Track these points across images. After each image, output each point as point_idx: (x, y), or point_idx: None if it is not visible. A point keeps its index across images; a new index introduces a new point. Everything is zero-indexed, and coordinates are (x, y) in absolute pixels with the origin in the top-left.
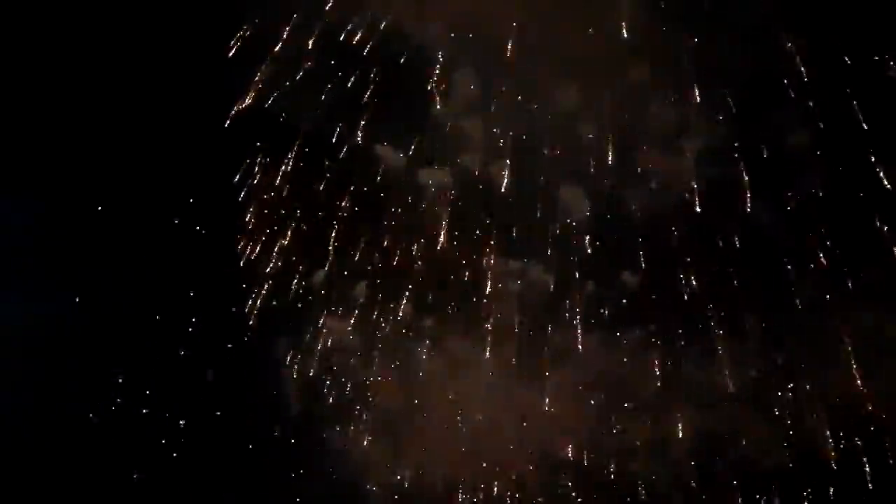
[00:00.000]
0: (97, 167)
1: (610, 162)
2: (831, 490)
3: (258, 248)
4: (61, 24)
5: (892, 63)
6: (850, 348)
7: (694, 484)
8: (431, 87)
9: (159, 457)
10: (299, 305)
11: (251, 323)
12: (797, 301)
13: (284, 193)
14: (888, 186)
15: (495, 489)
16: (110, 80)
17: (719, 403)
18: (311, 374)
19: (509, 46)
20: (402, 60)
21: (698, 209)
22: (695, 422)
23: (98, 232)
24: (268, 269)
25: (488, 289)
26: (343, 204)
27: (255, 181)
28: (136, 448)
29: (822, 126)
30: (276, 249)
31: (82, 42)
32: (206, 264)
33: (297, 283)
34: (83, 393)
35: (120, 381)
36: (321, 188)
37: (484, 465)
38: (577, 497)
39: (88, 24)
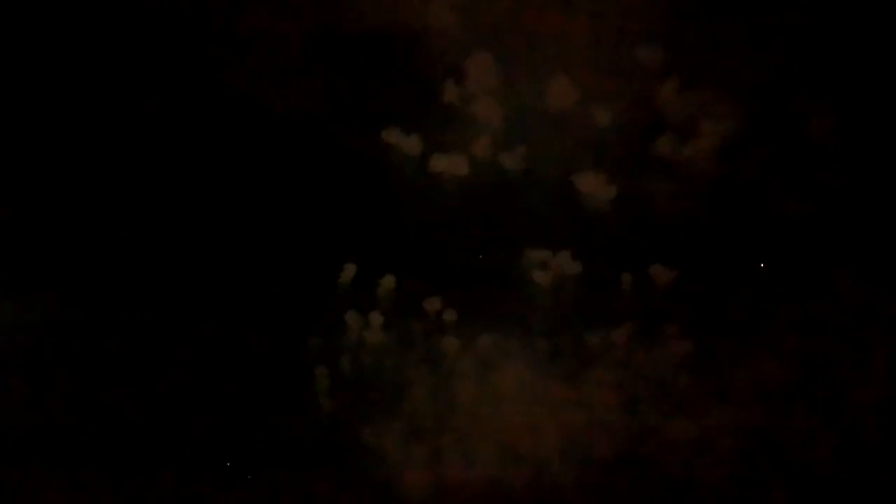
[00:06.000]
0: (93, 166)
1: (629, 148)
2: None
3: (276, 242)
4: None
5: None
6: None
7: (737, 482)
8: (444, 72)
9: (187, 455)
10: (326, 302)
11: (280, 322)
12: (836, 293)
13: (295, 184)
14: None
15: (533, 488)
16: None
17: (760, 399)
18: (341, 371)
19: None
20: (413, 44)
21: (725, 198)
22: (736, 418)
23: (114, 231)
24: (288, 264)
25: (515, 280)
26: (359, 195)
27: (264, 172)
28: (162, 448)
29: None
30: (293, 244)
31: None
32: (224, 262)
33: (321, 279)
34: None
35: (145, 383)
36: (334, 177)
37: (520, 463)
38: (617, 496)
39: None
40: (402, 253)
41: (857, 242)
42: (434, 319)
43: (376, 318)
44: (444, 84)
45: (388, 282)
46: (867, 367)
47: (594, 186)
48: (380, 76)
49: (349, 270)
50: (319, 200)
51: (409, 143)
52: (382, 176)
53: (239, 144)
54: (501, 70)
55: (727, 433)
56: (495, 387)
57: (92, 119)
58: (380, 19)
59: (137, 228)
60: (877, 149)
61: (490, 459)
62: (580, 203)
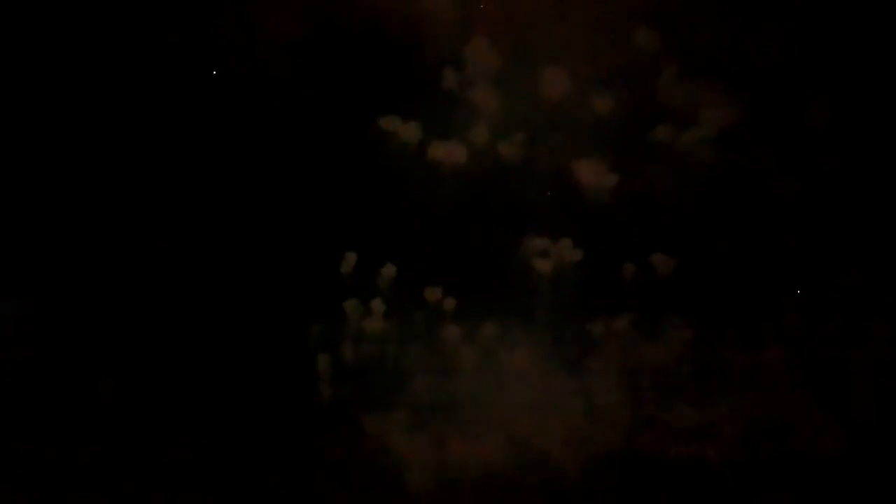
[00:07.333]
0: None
1: (628, 135)
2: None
3: (275, 231)
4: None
5: None
6: None
7: (740, 470)
8: (444, 58)
9: (189, 444)
10: (327, 291)
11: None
12: (838, 280)
13: (293, 172)
14: None
15: (536, 476)
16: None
17: (764, 388)
18: (342, 360)
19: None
20: (412, 30)
21: (725, 186)
22: (738, 406)
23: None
24: (289, 253)
25: (515, 268)
26: (358, 182)
27: (261, 161)
28: (160, 437)
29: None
30: (293, 233)
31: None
32: (224, 251)
33: (324, 268)
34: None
35: (143, 371)
36: (332, 166)
37: (523, 451)
38: (619, 484)
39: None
40: (402, 241)
41: (859, 230)
42: (435, 308)
43: (378, 306)
44: (443, 71)
45: (389, 270)
46: (870, 354)
47: (594, 175)
48: (378, 63)
49: (350, 259)
50: (318, 189)
51: (408, 131)
52: (382, 164)
53: (235, 133)
54: (500, 57)
55: (730, 421)
56: (497, 375)
57: (89, 106)
58: (378, 5)
59: (136, 217)
60: (877, 136)
61: (493, 447)
62: (580, 191)
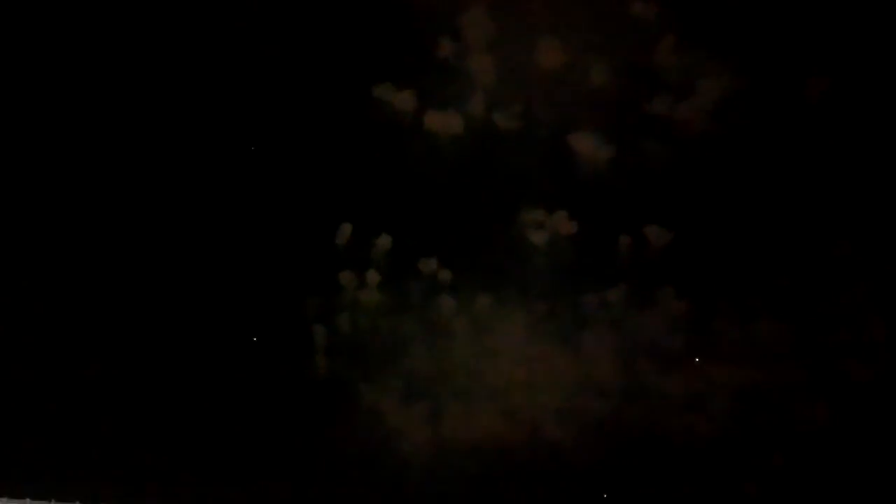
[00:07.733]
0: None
1: (624, 107)
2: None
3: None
4: None
5: None
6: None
7: (730, 440)
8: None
9: (185, 416)
10: (323, 262)
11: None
12: (831, 253)
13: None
14: None
15: (529, 445)
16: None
17: (753, 359)
18: (338, 331)
19: None
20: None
21: (720, 158)
22: (729, 378)
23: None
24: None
25: (511, 240)
26: (353, 152)
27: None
28: (160, 409)
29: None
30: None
31: None
32: (220, 223)
33: (320, 239)
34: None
35: (142, 346)
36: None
37: (517, 421)
38: (611, 453)
39: None
40: (397, 212)
41: (853, 204)
42: (430, 279)
43: (373, 277)
44: (439, 40)
45: (384, 241)
46: (861, 326)
47: (590, 147)
48: (373, 31)
49: (345, 230)
50: (313, 160)
51: (403, 100)
52: (377, 134)
53: (228, 105)
54: (497, 27)
55: (720, 392)
56: (491, 346)
57: (81, 76)
58: None
59: (129, 194)
60: (873, 110)
61: (486, 417)
62: (576, 163)
